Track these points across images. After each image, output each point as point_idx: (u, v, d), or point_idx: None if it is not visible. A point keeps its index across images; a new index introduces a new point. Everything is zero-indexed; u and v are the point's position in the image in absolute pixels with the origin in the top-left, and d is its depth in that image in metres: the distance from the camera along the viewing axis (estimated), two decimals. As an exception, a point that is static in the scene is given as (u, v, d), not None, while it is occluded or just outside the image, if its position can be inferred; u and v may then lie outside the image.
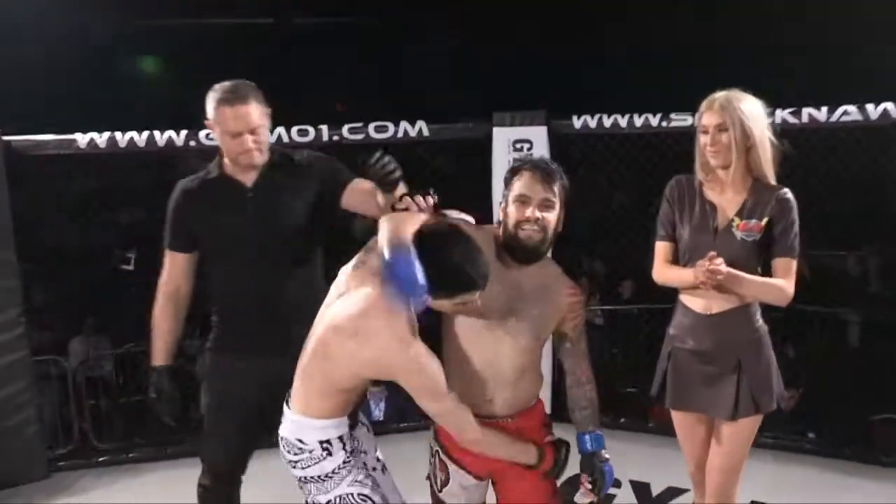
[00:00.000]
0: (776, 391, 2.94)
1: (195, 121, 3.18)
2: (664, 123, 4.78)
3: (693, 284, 2.82)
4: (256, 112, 2.80)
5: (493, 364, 2.46)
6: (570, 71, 9.93)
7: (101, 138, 4.56)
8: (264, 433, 2.92)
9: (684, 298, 2.97)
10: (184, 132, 4.61)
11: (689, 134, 4.75)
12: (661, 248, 3.00)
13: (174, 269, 3.02)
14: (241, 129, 2.77)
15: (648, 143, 5.04)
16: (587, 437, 2.60)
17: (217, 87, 2.81)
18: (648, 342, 6.58)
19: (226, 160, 2.93)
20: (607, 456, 2.60)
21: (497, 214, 2.51)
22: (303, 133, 4.70)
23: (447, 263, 2.12)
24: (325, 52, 11.66)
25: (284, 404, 2.41)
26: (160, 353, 3.01)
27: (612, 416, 5.13)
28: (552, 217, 2.43)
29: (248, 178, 2.91)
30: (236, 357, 2.97)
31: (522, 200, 2.41)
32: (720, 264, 2.73)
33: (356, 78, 11.39)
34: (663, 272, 2.98)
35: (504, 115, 4.98)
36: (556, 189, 2.44)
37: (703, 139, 2.90)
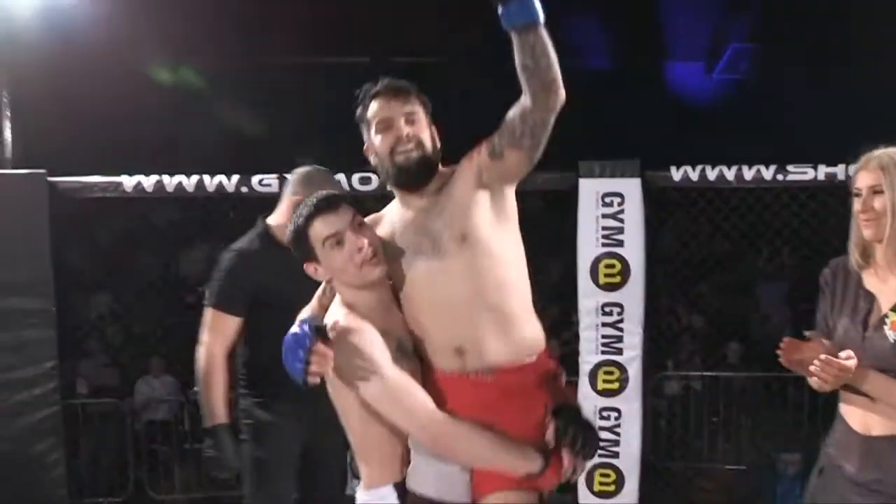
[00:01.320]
0: None
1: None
2: (780, 176, 4.19)
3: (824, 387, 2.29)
4: None
5: (450, 304, 2.08)
6: (662, 116, 9.31)
7: (148, 182, 4.32)
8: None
9: (843, 409, 2.42)
10: (235, 177, 4.34)
11: (808, 189, 4.32)
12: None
13: (229, 331, 3.08)
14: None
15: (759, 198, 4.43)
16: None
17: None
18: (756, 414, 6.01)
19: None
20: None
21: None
22: (365, 181, 4.30)
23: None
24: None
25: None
26: (221, 410, 3.08)
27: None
28: (422, 128, 2.12)
29: None
30: (283, 413, 3.09)
31: (385, 125, 2.10)
32: (848, 359, 2.20)
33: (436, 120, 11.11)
34: None
35: (592, 164, 4.43)
36: (414, 100, 2.13)
37: (855, 205, 2.36)
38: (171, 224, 8.15)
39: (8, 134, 4.44)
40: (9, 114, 4.43)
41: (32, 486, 4.25)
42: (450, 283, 2.07)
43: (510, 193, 2.13)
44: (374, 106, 2.12)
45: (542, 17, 1.83)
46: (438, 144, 2.16)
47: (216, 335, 3.06)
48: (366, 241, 2.01)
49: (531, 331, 2.16)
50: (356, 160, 2.35)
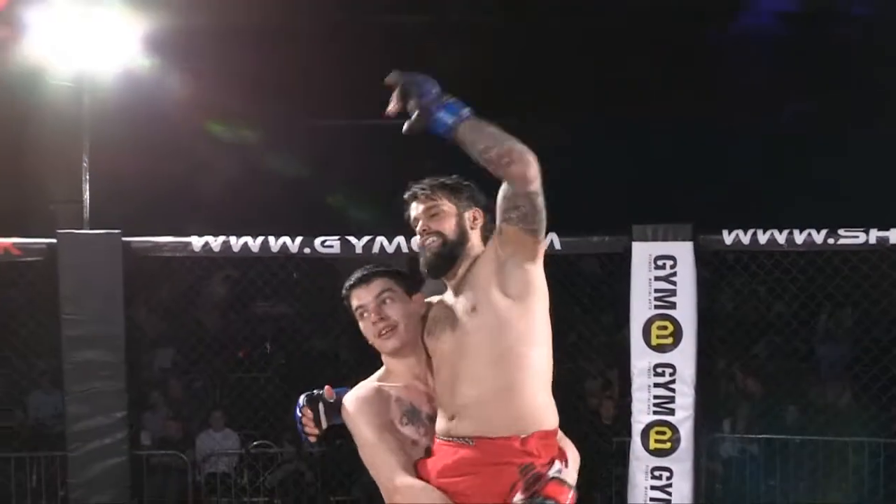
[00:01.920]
0: None
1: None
2: (830, 240, 4.23)
3: None
4: None
5: (456, 373, 2.20)
6: (713, 179, 9.32)
7: (216, 242, 4.51)
8: None
9: None
10: (299, 238, 4.49)
11: (860, 254, 4.33)
12: None
13: None
14: None
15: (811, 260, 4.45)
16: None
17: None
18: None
19: None
20: None
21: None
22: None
23: None
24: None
25: None
26: None
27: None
28: (443, 220, 2.27)
29: None
30: None
31: (416, 224, 2.33)
32: None
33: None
34: None
35: (645, 228, 4.52)
36: (438, 194, 2.29)
37: None
38: (231, 282, 8.35)
39: (87, 196, 4.69)
40: (88, 177, 4.69)
41: (100, 533, 4.40)
42: (460, 353, 2.19)
43: (532, 269, 2.20)
44: (410, 210, 2.36)
45: (458, 118, 2.04)
46: (469, 229, 2.28)
47: None
48: (382, 316, 2.24)
49: (533, 407, 2.19)
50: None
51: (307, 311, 7.50)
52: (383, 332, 2.24)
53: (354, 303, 2.29)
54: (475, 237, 2.29)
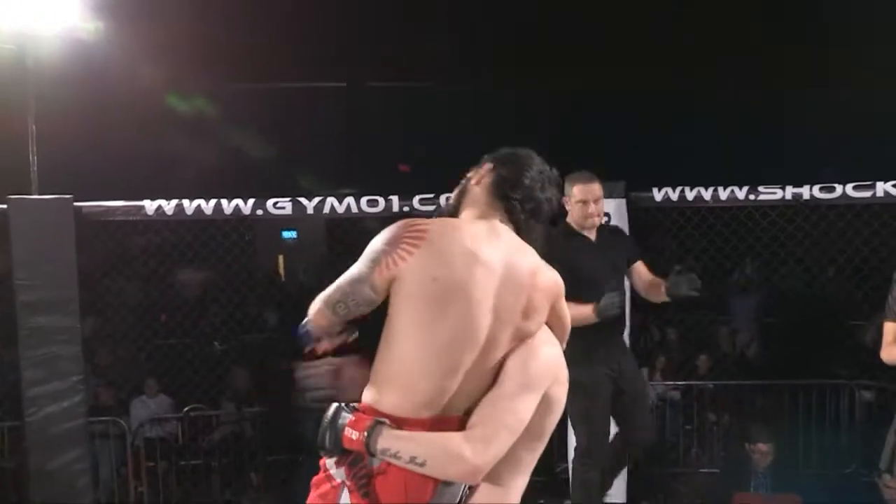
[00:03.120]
0: None
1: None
2: (752, 196, 4.57)
3: None
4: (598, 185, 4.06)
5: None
6: (646, 138, 9.73)
7: (169, 206, 4.55)
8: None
9: None
10: (251, 200, 4.57)
11: (778, 208, 4.70)
12: (889, 328, 3.26)
13: None
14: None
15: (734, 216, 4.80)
16: None
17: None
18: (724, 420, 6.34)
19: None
20: None
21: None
22: (372, 203, 4.59)
23: None
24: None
25: None
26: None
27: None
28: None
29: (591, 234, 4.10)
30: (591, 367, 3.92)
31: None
32: None
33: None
34: (889, 351, 3.25)
35: (582, 185, 4.79)
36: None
37: None
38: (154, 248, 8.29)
39: (34, 161, 4.65)
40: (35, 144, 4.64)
41: (61, 495, 4.43)
42: None
43: None
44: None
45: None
46: None
47: None
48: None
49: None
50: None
51: (231, 274, 7.51)
52: None
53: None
54: None
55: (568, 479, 5.00)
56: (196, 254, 6.61)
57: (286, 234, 13.39)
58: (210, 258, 7.36)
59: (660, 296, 4.02)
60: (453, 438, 1.93)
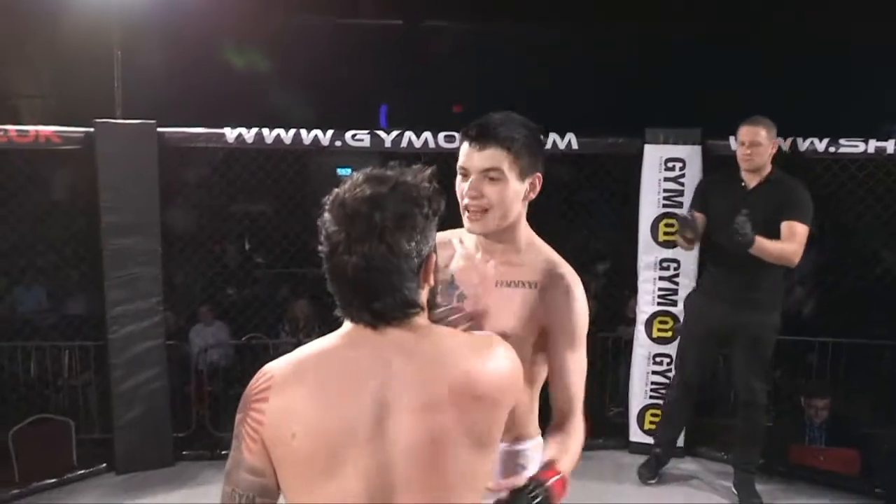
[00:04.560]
0: None
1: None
2: (832, 149, 4.52)
3: None
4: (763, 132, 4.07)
5: None
6: (725, 86, 9.59)
7: (249, 134, 4.59)
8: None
9: None
10: (330, 132, 4.61)
11: (859, 161, 4.62)
12: None
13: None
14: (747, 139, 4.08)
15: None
16: None
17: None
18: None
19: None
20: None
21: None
22: (449, 139, 4.61)
23: None
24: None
25: None
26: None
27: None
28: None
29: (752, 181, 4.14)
30: (706, 300, 4.30)
31: None
32: None
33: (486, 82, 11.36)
34: None
35: (657, 131, 4.79)
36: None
37: None
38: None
39: (119, 88, 4.71)
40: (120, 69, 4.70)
41: (142, 414, 4.60)
42: None
43: None
44: None
45: None
46: None
47: None
48: None
49: None
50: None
51: (285, 208, 7.57)
52: None
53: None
54: None
55: (620, 422, 5.14)
56: (253, 186, 6.71)
57: (341, 171, 13.49)
58: (265, 193, 7.47)
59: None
60: (578, 432, 1.90)
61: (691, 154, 4.72)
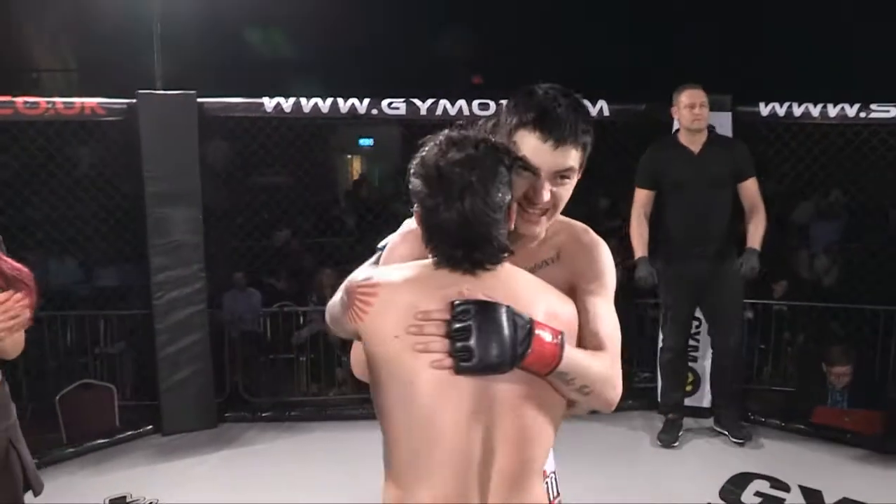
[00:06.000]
0: None
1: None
2: (863, 114, 4.56)
3: None
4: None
5: None
6: (755, 52, 9.56)
7: (287, 103, 4.67)
8: None
9: None
10: (366, 100, 4.70)
11: (890, 126, 4.66)
12: None
13: (641, 199, 4.48)
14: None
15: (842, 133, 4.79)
16: None
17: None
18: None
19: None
20: None
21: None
22: (484, 106, 4.68)
23: None
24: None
25: None
26: (639, 248, 4.46)
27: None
28: None
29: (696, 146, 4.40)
30: (680, 264, 4.44)
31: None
32: None
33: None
34: None
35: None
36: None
37: None
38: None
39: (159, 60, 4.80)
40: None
41: (186, 377, 4.73)
42: None
43: None
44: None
45: None
46: None
47: (636, 204, 4.49)
48: None
49: None
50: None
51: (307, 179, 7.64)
52: None
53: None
54: None
55: (646, 387, 5.24)
56: (275, 157, 6.80)
57: (363, 142, 13.58)
58: (288, 162, 7.54)
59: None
60: (607, 363, 1.65)
61: (722, 120, 4.75)
